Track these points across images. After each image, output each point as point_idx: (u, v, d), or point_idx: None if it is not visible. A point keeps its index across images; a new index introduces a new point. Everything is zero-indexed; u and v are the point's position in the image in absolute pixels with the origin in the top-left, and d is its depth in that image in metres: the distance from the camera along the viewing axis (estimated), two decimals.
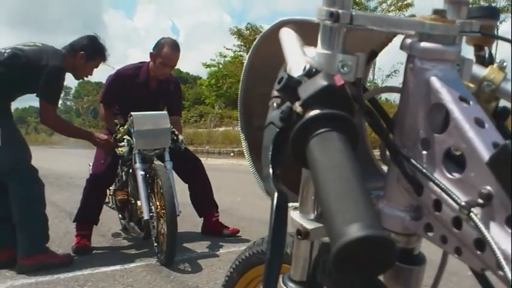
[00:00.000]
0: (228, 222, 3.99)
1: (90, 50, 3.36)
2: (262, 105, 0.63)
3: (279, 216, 0.51)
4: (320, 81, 0.51)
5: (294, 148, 0.50)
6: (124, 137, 3.46)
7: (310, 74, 0.54)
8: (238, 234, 3.89)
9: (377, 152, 0.77)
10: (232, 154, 13.66)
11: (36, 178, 3.18)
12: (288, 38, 0.66)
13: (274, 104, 0.58)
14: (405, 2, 19.01)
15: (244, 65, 0.81)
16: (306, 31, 0.65)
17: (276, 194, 0.52)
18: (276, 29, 0.70)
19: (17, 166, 3.07)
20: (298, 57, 0.60)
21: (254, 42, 0.77)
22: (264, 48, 0.76)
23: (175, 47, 3.68)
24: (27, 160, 3.16)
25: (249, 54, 0.79)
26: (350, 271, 0.40)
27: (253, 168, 0.83)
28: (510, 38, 0.71)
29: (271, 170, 0.53)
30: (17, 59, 3.06)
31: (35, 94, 3.21)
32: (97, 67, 3.54)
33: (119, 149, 3.47)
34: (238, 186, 6.76)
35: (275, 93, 0.58)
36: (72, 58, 3.31)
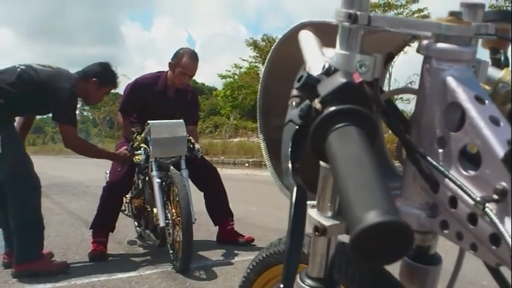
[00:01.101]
0: (243, 231, 4.00)
1: (102, 77, 3.43)
2: (281, 106, 0.65)
3: (298, 210, 0.53)
4: (339, 79, 0.53)
5: (314, 143, 0.51)
6: (141, 145, 3.50)
7: (329, 72, 0.56)
8: (253, 243, 3.89)
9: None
10: (247, 164, 13.68)
11: (34, 187, 3.19)
12: (307, 40, 0.68)
13: (294, 103, 0.60)
14: (421, 14, 18.97)
15: (264, 66, 0.83)
16: (325, 33, 0.67)
17: (295, 189, 0.53)
18: (295, 31, 0.72)
19: (15, 174, 3.11)
20: (317, 57, 0.62)
21: (274, 44, 0.79)
22: (283, 50, 0.78)
23: (194, 57, 3.73)
24: (26, 169, 3.18)
25: (268, 55, 0.81)
26: (368, 257, 0.41)
27: (271, 168, 0.85)
28: None
29: (290, 165, 0.55)
30: (28, 77, 3.14)
31: (41, 115, 3.29)
32: (107, 94, 3.63)
33: (136, 157, 3.51)
34: (253, 196, 6.77)
35: (294, 92, 0.60)
36: (84, 84, 3.37)
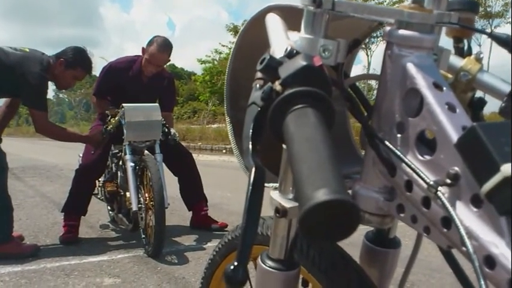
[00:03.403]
0: (217, 217, 4.01)
1: (70, 58, 3.35)
2: (248, 89, 0.66)
3: (256, 190, 0.54)
4: (299, 62, 0.53)
5: (272, 124, 0.52)
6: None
7: (291, 55, 0.57)
8: (226, 229, 3.90)
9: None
10: (224, 151, 13.67)
11: (1, 168, 3.14)
12: (273, 23, 0.68)
13: (257, 85, 0.60)
14: (402, 3, 19.03)
15: (232, 48, 0.83)
16: (292, 17, 0.67)
17: (253, 169, 0.54)
18: (263, 13, 0.73)
19: None
20: (281, 40, 0.62)
21: (242, 26, 0.79)
22: (251, 33, 0.78)
23: (163, 47, 3.65)
24: None
25: (237, 37, 0.81)
26: (317, 234, 0.42)
27: (236, 150, 0.85)
28: (489, 31, 0.74)
29: (250, 146, 0.55)
30: None
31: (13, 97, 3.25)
32: (79, 79, 3.53)
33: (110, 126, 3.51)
34: (229, 182, 6.77)
35: (258, 74, 0.60)
36: (54, 67, 3.31)
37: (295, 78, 0.53)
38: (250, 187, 0.53)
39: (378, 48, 20.18)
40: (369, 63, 20.61)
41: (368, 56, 20.57)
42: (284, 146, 0.65)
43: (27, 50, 3.26)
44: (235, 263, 0.54)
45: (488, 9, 18.27)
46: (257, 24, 0.75)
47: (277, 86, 0.54)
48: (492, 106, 0.82)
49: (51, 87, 3.39)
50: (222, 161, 11.05)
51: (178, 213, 4.36)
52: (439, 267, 2.77)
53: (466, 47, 0.77)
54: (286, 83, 0.53)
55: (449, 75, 0.73)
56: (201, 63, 28.34)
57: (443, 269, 2.76)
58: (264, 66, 0.56)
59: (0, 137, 3.38)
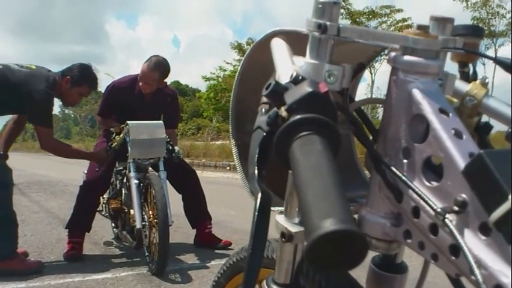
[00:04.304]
0: (221, 235, 4.00)
1: (76, 76, 3.38)
2: (253, 112, 0.66)
3: (262, 215, 0.53)
4: (305, 88, 0.54)
5: (278, 150, 0.52)
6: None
7: (296, 81, 0.57)
8: (230, 247, 3.88)
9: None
10: (228, 168, 13.66)
11: (4, 184, 3.14)
12: (279, 48, 0.69)
13: (263, 110, 0.60)
14: (405, 23, 19.17)
15: (238, 72, 0.83)
16: (297, 41, 0.67)
17: (259, 194, 0.54)
18: (268, 38, 0.73)
19: None
20: (286, 65, 0.63)
21: (247, 51, 0.80)
22: (256, 57, 0.79)
23: (154, 66, 3.64)
24: None
25: (242, 61, 0.82)
26: (323, 264, 0.42)
27: (241, 173, 0.85)
28: (493, 55, 0.74)
29: (256, 171, 0.55)
30: (3, 77, 3.09)
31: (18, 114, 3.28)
32: (85, 95, 3.56)
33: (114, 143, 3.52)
34: (233, 200, 6.76)
35: (263, 99, 0.61)
36: (61, 83, 3.33)
37: (301, 104, 0.53)
38: (256, 212, 0.53)
39: (382, 67, 20.24)
40: (372, 81, 20.65)
41: (371, 74, 20.62)
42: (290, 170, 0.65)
43: (34, 67, 3.29)
44: None
45: (492, 29, 18.33)
46: (262, 48, 0.75)
47: (283, 111, 0.54)
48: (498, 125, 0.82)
49: (57, 103, 3.42)
50: (226, 178, 11.03)
51: (181, 231, 4.34)
52: None
53: (471, 72, 0.78)
54: (292, 109, 0.53)
55: (455, 100, 0.73)
56: (205, 80, 28.49)
57: None
58: (270, 92, 0.57)
59: (7, 154, 3.40)
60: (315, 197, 0.43)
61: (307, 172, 0.46)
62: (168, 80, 3.92)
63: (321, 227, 0.39)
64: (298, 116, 0.51)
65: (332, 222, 0.40)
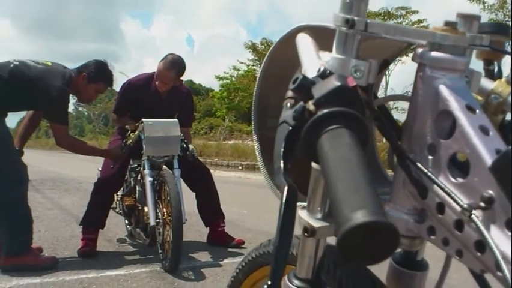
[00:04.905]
0: (234, 234, 4.00)
1: (92, 73, 3.40)
2: (276, 107, 0.66)
3: (288, 209, 0.54)
4: (333, 82, 0.54)
5: (306, 144, 0.52)
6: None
7: (324, 75, 0.57)
8: (243, 246, 3.89)
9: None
10: (240, 167, 13.68)
11: (21, 181, 3.18)
12: (305, 43, 0.69)
13: (288, 105, 0.61)
14: (421, 25, 19.05)
15: (261, 67, 0.84)
16: (322, 37, 0.67)
17: (286, 188, 0.54)
18: (293, 34, 0.73)
19: (1, 168, 3.08)
20: (313, 60, 0.63)
21: (272, 46, 0.80)
22: (280, 52, 0.79)
23: (170, 65, 3.66)
24: (11, 161, 3.16)
25: (266, 57, 0.82)
26: (354, 256, 0.42)
27: (263, 168, 0.86)
28: None
29: (282, 165, 0.56)
30: (19, 73, 3.12)
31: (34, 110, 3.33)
32: (101, 92, 3.58)
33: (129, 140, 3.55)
34: (245, 199, 6.77)
35: (289, 94, 0.61)
36: (77, 80, 3.35)
37: (329, 98, 0.53)
38: (283, 206, 0.53)
39: (397, 68, 20.12)
40: (387, 83, 20.54)
41: (386, 75, 20.52)
42: (314, 165, 0.65)
43: (50, 64, 3.31)
44: (269, 282, 0.54)
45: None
46: (287, 44, 0.76)
47: (310, 105, 0.54)
48: None
49: (70, 100, 3.44)
50: (238, 178, 11.05)
51: (195, 229, 4.36)
52: None
53: (496, 70, 0.77)
54: (320, 103, 0.53)
55: (480, 98, 0.73)
56: (219, 80, 28.49)
57: None
58: (297, 86, 0.57)
59: (22, 150, 3.43)
60: (345, 190, 0.43)
61: (337, 165, 0.46)
62: (182, 79, 3.93)
63: (353, 218, 0.40)
64: (327, 110, 0.51)
65: (363, 213, 0.40)
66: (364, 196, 0.42)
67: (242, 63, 25.93)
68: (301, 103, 0.57)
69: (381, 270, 0.80)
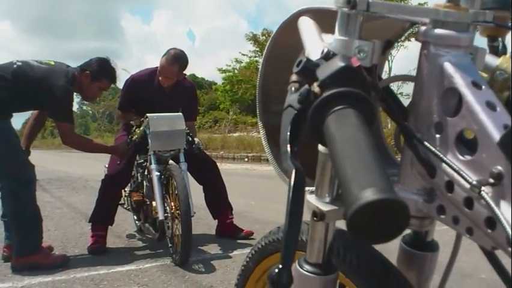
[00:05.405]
0: (242, 225, 4.01)
1: (95, 71, 3.40)
2: (280, 93, 0.66)
3: (297, 192, 0.54)
4: (338, 63, 0.53)
5: (312, 125, 0.52)
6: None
7: (328, 57, 0.57)
8: (252, 237, 3.90)
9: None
10: (246, 159, 13.71)
11: (29, 180, 3.18)
12: (307, 26, 0.68)
13: (293, 88, 0.60)
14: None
15: (264, 53, 0.83)
16: (324, 19, 0.67)
17: (293, 171, 0.54)
18: (295, 18, 0.73)
19: (8, 168, 3.09)
20: (316, 42, 0.62)
21: (274, 31, 0.79)
22: (283, 37, 0.78)
23: (172, 59, 3.66)
24: (19, 161, 3.17)
25: (268, 42, 0.81)
26: (365, 235, 0.42)
27: (270, 154, 0.85)
28: None
29: (289, 149, 0.55)
30: (23, 74, 3.12)
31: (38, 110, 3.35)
32: (105, 89, 3.58)
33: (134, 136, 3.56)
34: (252, 190, 6.78)
35: (293, 77, 0.61)
36: (80, 78, 3.35)
37: (334, 79, 0.53)
38: (291, 190, 0.53)
39: (399, 53, 20.01)
40: (390, 68, 20.44)
41: (388, 60, 20.41)
42: (321, 148, 0.65)
43: (53, 63, 3.31)
44: (280, 266, 0.53)
45: None
46: (288, 29, 0.75)
47: (315, 87, 0.54)
48: None
49: (75, 99, 3.45)
50: (245, 169, 11.06)
51: (203, 222, 4.37)
52: (470, 273, 2.72)
53: (500, 46, 0.76)
54: (325, 85, 0.53)
55: (485, 75, 0.72)
56: (221, 73, 28.46)
57: (474, 275, 2.72)
58: (302, 69, 0.57)
59: (29, 150, 3.44)
60: (353, 169, 0.43)
61: (344, 145, 0.46)
62: (186, 73, 3.93)
63: (363, 197, 0.39)
64: (332, 91, 0.51)
65: (372, 191, 0.40)
66: (373, 174, 0.42)
67: (244, 55, 25.90)
68: (306, 86, 0.56)
69: (391, 253, 0.80)
